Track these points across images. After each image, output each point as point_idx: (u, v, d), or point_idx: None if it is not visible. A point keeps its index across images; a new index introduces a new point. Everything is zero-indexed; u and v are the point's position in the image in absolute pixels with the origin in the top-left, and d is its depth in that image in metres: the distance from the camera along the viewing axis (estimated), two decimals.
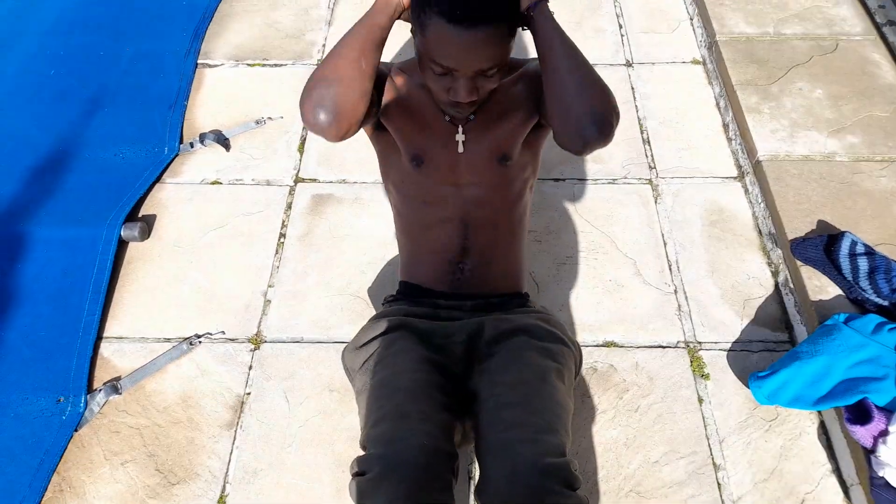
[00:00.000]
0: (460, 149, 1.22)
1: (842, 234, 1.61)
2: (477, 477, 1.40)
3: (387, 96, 1.21)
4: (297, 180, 1.99)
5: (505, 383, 1.10)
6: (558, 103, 1.03)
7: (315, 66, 2.31)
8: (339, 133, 1.07)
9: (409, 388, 1.09)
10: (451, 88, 1.06)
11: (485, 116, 1.21)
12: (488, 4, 0.97)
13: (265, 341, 1.65)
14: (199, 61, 2.35)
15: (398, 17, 1.08)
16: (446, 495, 1.01)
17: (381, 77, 1.18)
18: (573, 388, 1.21)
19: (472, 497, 1.39)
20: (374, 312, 1.67)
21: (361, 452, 1.06)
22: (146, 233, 1.86)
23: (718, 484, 1.39)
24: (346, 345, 1.32)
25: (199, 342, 1.65)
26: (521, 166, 1.28)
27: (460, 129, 1.22)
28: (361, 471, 1.01)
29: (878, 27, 2.20)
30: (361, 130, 1.19)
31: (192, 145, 2.07)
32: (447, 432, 1.07)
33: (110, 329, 1.68)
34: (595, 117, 1.00)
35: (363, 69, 1.05)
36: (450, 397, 1.14)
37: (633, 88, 2.22)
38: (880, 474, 1.25)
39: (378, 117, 1.22)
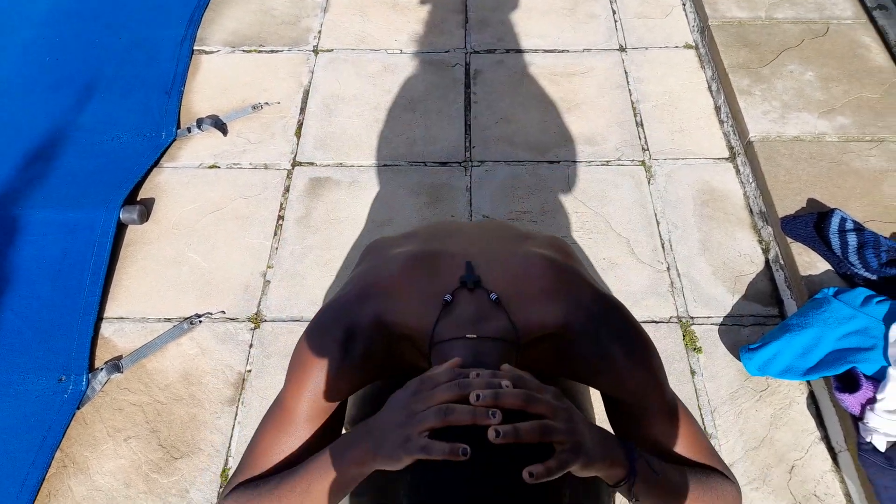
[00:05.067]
0: None
1: (831, 211, 1.64)
2: None
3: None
4: (295, 164, 2.01)
5: None
6: None
7: (311, 51, 2.34)
8: None
9: None
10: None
11: None
12: None
13: (265, 320, 1.67)
14: (195, 47, 2.36)
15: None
16: None
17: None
18: None
19: None
20: None
21: None
22: (145, 216, 1.88)
23: None
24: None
25: (200, 322, 1.67)
26: None
27: None
28: None
29: (868, 11, 2.23)
30: None
31: (189, 130, 2.09)
32: None
33: (111, 310, 1.70)
34: None
35: None
36: None
37: (626, 73, 2.25)
38: (868, 440, 1.28)
39: None
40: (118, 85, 2.23)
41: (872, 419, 1.27)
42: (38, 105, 2.18)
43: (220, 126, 2.10)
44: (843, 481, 1.37)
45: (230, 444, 1.47)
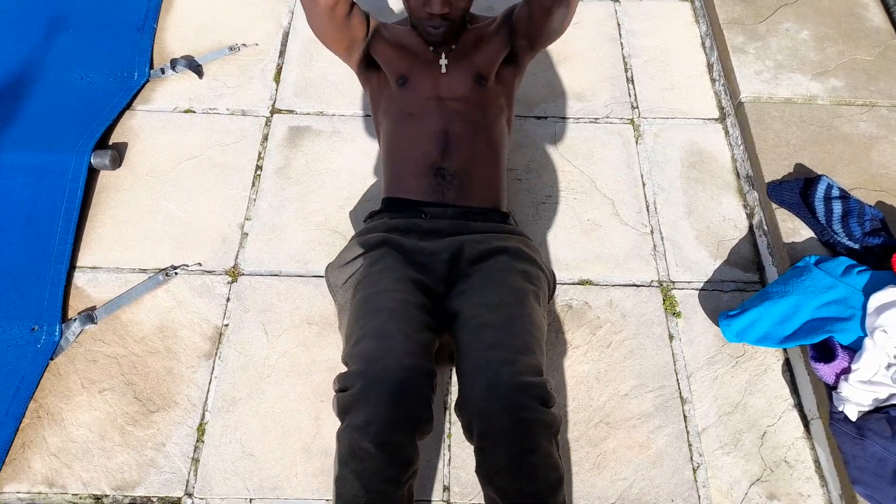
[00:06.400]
0: (443, 70, 1.42)
1: (818, 177, 1.62)
2: (452, 406, 1.44)
3: (378, 37, 1.44)
4: (274, 111, 1.94)
5: (485, 304, 1.14)
6: None
7: None
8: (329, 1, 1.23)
9: (391, 308, 1.12)
10: (426, 1, 1.30)
11: (464, 46, 1.44)
12: None
13: (242, 274, 1.63)
14: None
15: None
16: (425, 409, 1.06)
17: (370, 23, 1.43)
18: (546, 310, 1.28)
19: (447, 425, 1.42)
20: None
21: (343, 370, 1.09)
22: (117, 161, 1.81)
23: (684, 416, 1.44)
24: (330, 262, 1.37)
25: (176, 273, 1.63)
26: (495, 93, 1.45)
27: (443, 56, 1.43)
28: (344, 387, 1.05)
29: None
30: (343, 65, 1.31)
31: (162, 71, 1.99)
32: (426, 351, 1.11)
33: (84, 259, 1.65)
34: None
35: None
36: (430, 316, 1.18)
37: (619, 24, 2.18)
38: (840, 409, 1.30)
39: (368, 49, 1.44)
40: (87, 21, 2.11)
41: (846, 389, 1.29)
42: (2, 41, 2.06)
43: (196, 68, 2.01)
44: (813, 448, 1.40)
45: (207, 398, 1.46)
